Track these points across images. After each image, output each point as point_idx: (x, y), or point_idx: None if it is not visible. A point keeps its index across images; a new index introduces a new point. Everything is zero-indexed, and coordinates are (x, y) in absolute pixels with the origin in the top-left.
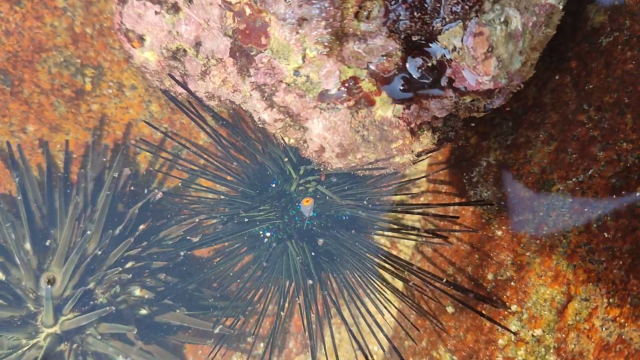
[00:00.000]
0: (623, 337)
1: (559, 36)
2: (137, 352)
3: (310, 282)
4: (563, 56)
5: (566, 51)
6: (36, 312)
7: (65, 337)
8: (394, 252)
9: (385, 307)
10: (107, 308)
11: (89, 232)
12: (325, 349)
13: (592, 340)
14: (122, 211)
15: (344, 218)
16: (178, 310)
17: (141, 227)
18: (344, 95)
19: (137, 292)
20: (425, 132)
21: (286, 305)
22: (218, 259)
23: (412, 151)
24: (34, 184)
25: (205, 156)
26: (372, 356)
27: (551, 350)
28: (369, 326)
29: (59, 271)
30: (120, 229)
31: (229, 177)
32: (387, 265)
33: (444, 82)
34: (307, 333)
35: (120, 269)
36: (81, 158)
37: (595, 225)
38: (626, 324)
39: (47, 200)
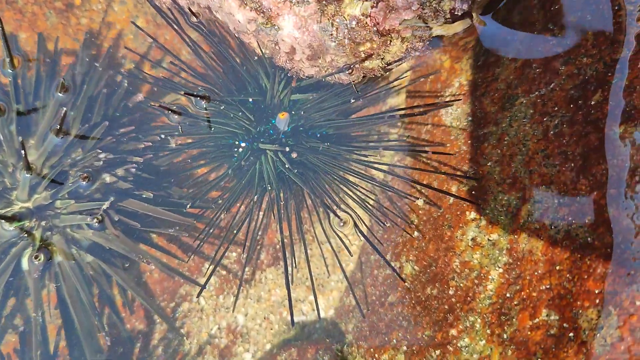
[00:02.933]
0: (570, 233)
1: None
2: (98, 234)
3: (282, 192)
4: None
5: None
6: (12, 187)
7: (37, 213)
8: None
9: (355, 223)
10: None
11: (71, 114)
12: (295, 262)
13: (541, 238)
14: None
15: (318, 135)
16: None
17: (122, 130)
18: None
19: (107, 179)
20: (394, 40)
21: (260, 215)
22: (193, 163)
23: (381, 57)
24: (25, 77)
25: (186, 70)
26: (342, 268)
27: (504, 252)
28: (342, 241)
29: (36, 152)
30: (97, 113)
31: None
32: (357, 178)
33: None
34: (280, 243)
35: (98, 152)
36: (69, 66)
37: (552, 132)
38: (574, 221)
39: (34, 89)
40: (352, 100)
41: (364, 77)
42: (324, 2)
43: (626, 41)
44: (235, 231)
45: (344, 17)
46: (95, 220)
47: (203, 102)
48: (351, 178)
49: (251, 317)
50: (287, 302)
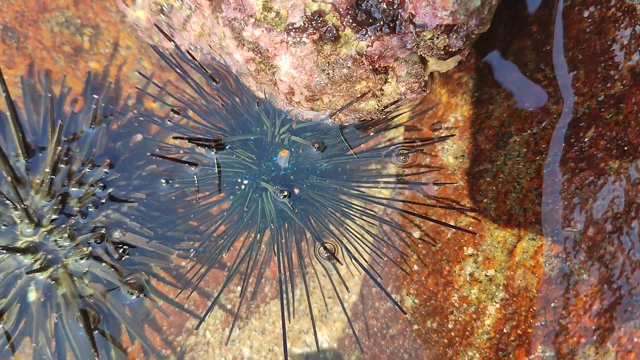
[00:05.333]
0: (565, 271)
1: (521, 3)
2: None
3: (285, 226)
4: (525, 21)
5: (527, 17)
6: (19, 222)
7: (41, 246)
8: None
9: (354, 259)
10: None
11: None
12: (293, 295)
13: (536, 275)
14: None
15: (318, 172)
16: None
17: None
18: (310, 29)
19: (112, 215)
20: (390, 80)
21: (262, 250)
22: (197, 199)
23: (377, 97)
24: (30, 111)
25: (190, 112)
26: (342, 303)
27: (500, 287)
28: (340, 277)
29: (43, 188)
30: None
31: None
32: (358, 211)
33: (404, 17)
34: (280, 277)
35: (102, 186)
36: (76, 107)
37: (544, 170)
38: (567, 259)
39: (42, 125)
40: (349, 152)
41: (362, 121)
42: (320, 42)
43: (619, 76)
44: (235, 267)
45: (339, 56)
46: (88, 251)
47: (213, 151)
48: (351, 212)
49: (256, 349)
50: (291, 334)
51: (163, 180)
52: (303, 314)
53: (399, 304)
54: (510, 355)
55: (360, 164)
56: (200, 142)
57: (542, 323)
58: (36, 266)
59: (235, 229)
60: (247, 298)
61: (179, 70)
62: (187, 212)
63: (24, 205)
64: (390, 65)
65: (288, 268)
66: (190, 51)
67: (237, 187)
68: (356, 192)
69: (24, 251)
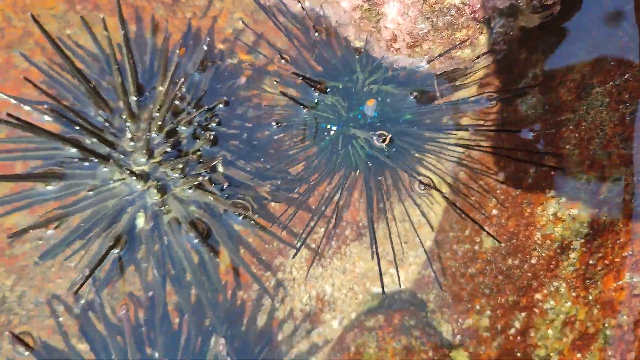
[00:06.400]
0: None
1: None
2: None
3: (369, 171)
4: None
5: None
6: (131, 151)
7: (152, 175)
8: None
9: (441, 192)
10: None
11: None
12: (375, 242)
13: (622, 211)
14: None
15: (401, 121)
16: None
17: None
18: None
19: (219, 151)
20: (485, 31)
21: (344, 195)
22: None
23: (473, 46)
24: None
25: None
26: (422, 245)
27: (585, 224)
28: (423, 215)
29: (155, 121)
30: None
31: (299, 81)
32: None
33: None
34: (367, 218)
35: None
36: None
37: (628, 118)
38: None
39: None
40: (438, 94)
41: (453, 70)
42: None
43: None
44: (324, 208)
45: (444, 4)
46: (197, 182)
47: (316, 93)
48: (432, 158)
49: (337, 287)
50: (370, 274)
51: (274, 123)
52: (381, 256)
53: (478, 245)
54: (598, 283)
55: (446, 114)
56: (309, 81)
57: (630, 253)
58: (152, 192)
59: (323, 173)
60: (329, 240)
61: (275, 20)
62: (283, 155)
63: (147, 135)
64: (489, 15)
65: (371, 210)
66: (286, 5)
67: (326, 133)
68: (444, 137)
69: (138, 176)
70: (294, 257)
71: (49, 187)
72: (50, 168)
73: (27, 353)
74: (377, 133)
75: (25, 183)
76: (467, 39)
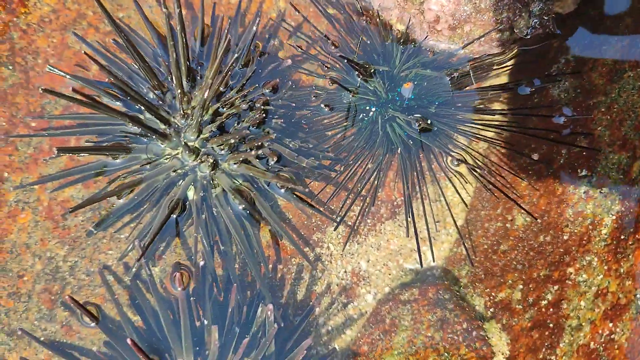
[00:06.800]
0: None
1: None
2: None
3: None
4: None
5: None
6: (182, 127)
7: (202, 151)
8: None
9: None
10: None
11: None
12: (412, 215)
13: None
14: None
15: (437, 103)
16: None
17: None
18: None
19: (265, 128)
20: (524, 14)
21: (381, 174)
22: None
23: (512, 29)
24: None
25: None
26: (455, 222)
27: (616, 201)
28: (457, 191)
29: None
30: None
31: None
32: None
33: None
34: (404, 193)
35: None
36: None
37: None
38: None
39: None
40: (473, 77)
41: (490, 54)
42: None
43: None
44: (360, 186)
45: None
46: (243, 157)
47: (359, 75)
48: (465, 140)
49: (372, 263)
50: (403, 251)
51: (323, 105)
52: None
53: (510, 223)
54: (630, 257)
55: (480, 97)
56: (355, 64)
57: None
58: (203, 166)
59: (362, 152)
60: (364, 217)
61: (317, 5)
62: (324, 134)
63: (199, 113)
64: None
65: (408, 188)
66: None
67: (364, 114)
68: (478, 118)
69: (191, 151)
70: (335, 229)
71: (117, 160)
72: (117, 142)
73: (93, 324)
74: (415, 116)
75: (80, 158)
76: (508, 20)
